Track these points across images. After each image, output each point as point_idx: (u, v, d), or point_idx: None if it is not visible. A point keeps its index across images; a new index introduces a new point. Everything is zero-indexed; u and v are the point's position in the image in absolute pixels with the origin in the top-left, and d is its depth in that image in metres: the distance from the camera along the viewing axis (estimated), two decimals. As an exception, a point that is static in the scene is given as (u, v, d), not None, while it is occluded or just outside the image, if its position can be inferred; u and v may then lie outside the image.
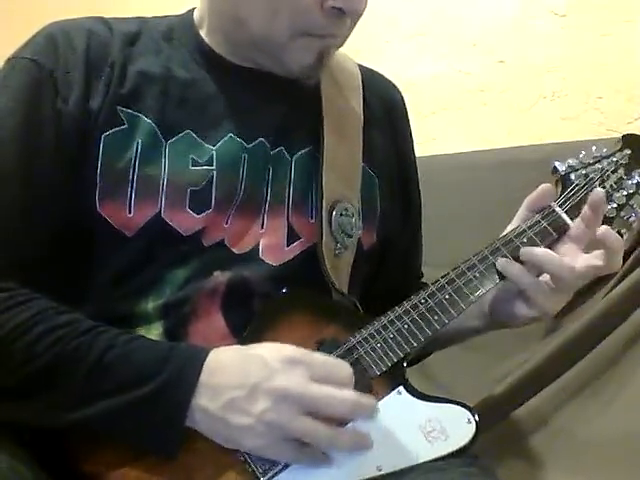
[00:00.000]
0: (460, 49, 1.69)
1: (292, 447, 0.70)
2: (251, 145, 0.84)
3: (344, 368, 0.73)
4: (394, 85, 1.04)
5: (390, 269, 1.00)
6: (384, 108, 0.99)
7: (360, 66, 1.00)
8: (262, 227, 0.83)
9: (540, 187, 0.88)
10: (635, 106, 1.51)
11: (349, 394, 0.71)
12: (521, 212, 0.90)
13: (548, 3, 1.61)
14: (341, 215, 0.86)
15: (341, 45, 0.86)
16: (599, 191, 0.84)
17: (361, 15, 0.82)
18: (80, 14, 0.87)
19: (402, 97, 1.04)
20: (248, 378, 0.70)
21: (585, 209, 0.84)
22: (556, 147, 1.38)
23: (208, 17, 0.88)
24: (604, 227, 0.83)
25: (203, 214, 0.80)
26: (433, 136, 1.65)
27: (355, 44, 0.90)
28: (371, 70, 1.02)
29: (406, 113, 1.03)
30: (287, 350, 0.72)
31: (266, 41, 0.82)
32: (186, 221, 0.80)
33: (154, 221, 0.79)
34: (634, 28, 1.53)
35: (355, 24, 0.84)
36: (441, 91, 1.69)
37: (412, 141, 1.04)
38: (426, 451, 0.75)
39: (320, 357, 0.73)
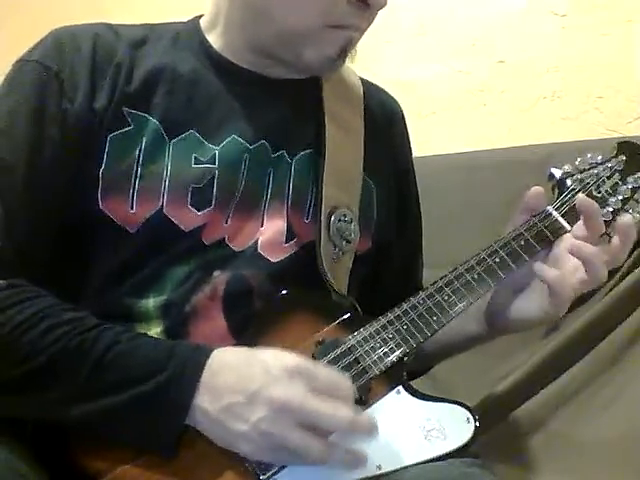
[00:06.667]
0: (460, 49, 1.68)
1: (287, 454, 0.70)
2: (254, 146, 0.86)
3: (345, 383, 0.72)
4: (395, 99, 1.05)
5: (388, 280, 1.01)
6: (384, 121, 1.01)
7: (362, 79, 1.01)
8: (262, 225, 0.84)
9: (532, 189, 0.88)
10: (635, 106, 1.51)
11: (347, 412, 0.69)
12: (516, 216, 0.90)
13: (548, 3, 1.61)
14: (339, 220, 0.87)
15: (360, 39, 0.87)
16: (581, 197, 0.84)
17: (383, 7, 0.83)
18: (85, 15, 0.88)
19: (402, 111, 1.05)
20: (249, 384, 0.70)
21: (581, 219, 0.84)
22: (556, 147, 1.38)
23: (225, 15, 0.89)
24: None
25: (204, 211, 0.82)
26: (433, 136, 1.64)
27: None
28: (373, 84, 1.04)
29: (406, 127, 1.04)
30: (291, 359, 0.71)
31: (293, 33, 0.83)
32: (187, 217, 0.81)
33: (156, 216, 0.80)
34: (634, 28, 1.53)
35: (374, 18, 0.85)
36: (441, 91, 1.69)
37: (411, 155, 1.05)
38: (425, 450, 0.75)
39: (323, 370, 0.73)
